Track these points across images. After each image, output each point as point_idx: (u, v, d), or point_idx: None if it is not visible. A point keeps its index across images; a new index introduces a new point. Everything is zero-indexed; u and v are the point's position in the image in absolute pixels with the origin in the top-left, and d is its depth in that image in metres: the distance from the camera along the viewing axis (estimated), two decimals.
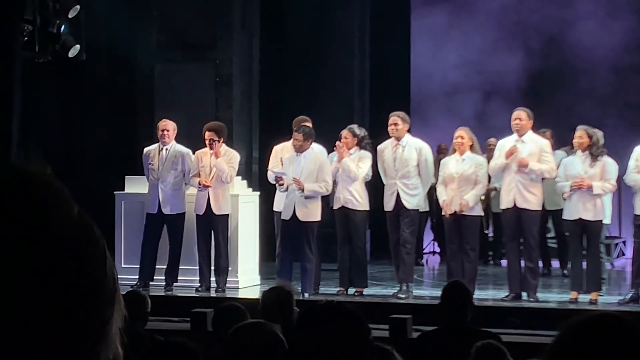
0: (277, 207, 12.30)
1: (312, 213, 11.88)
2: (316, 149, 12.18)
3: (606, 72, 18.01)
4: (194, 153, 12.45)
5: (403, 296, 11.81)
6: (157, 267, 12.43)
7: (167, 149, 12.50)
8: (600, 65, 17.99)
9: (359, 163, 12.10)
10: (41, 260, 1.06)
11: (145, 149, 12.66)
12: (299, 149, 11.92)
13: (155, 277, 12.40)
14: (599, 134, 11.74)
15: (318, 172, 11.87)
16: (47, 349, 1.05)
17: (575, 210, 11.48)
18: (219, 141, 12.25)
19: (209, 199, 12.23)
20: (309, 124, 12.46)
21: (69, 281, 1.08)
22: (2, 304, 1.03)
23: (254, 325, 4.77)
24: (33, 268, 1.06)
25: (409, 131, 12.18)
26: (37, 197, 1.09)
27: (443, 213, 12.03)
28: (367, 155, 12.19)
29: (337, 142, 12.11)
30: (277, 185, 12.08)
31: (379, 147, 12.23)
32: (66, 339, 1.07)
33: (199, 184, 12.21)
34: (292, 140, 12.11)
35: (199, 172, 12.34)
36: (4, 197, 1.08)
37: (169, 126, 12.54)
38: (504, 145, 11.84)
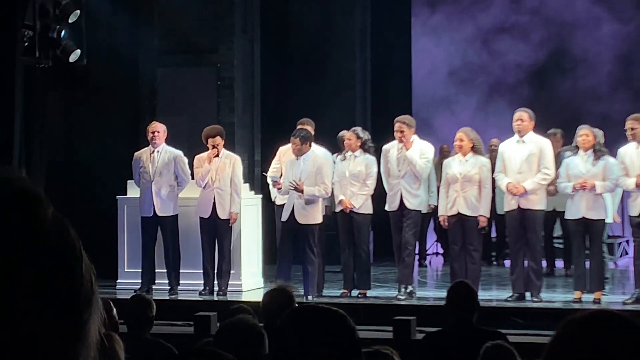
0: (278, 201, 12.41)
1: (313, 216, 11.88)
2: (318, 151, 12.19)
3: (610, 66, 17.99)
4: (193, 158, 12.44)
5: (403, 297, 11.81)
6: (159, 271, 12.45)
7: (158, 152, 12.49)
8: (604, 60, 17.97)
9: (367, 170, 12.09)
10: (15, 263, 1.05)
11: (136, 153, 12.63)
12: (298, 153, 11.94)
13: (158, 281, 12.41)
14: (599, 133, 11.75)
15: (317, 174, 11.88)
16: (24, 351, 1.04)
17: (578, 209, 11.48)
18: (222, 144, 12.29)
19: (214, 203, 12.23)
20: (311, 127, 12.48)
21: (44, 283, 1.06)
22: None
23: (236, 321, 4.79)
24: (7, 271, 1.04)
25: (415, 133, 12.15)
26: (11, 201, 1.08)
27: (441, 221, 12.04)
28: (374, 161, 12.19)
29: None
30: (275, 189, 12.18)
31: (384, 147, 12.22)
32: (43, 342, 1.06)
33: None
34: (291, 145, 12.11)
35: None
36: None
37: (159, 128, 12.53)
38: (504, 149, 11.83)
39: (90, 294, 1.12)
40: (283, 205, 12.13)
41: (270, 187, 12.51)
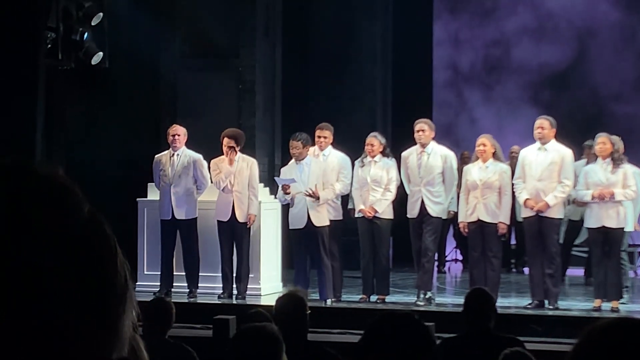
0: (292, 224, 12.10)
1: (324, 218, 11.91)
2: (336, 154, 12.25)
3: (634, 69, 17.90)
4: (210, 161, 12.44)
5: (422, 303, 11.79)
6: (177, 274, 12.46)
7: (178, 155, 12.50)
8: (628, 63, 17.88)
9: (389, 175, 12.08)
10: (52, 258, 1.07)
11: (157, 156, 12.65)
12: (299, 157, 11.93)
13: (177, 284, 12.42)
14: (618, 140, 11.70)
15: (323, 177, 11.90)
16: (58, 347, 1.06)
17: (598, 218, 11.43)
18: (236, 148, 12.24)
19: (233, 206, 12.23)
20: (330, 132, 12.48)
21: (79, 279, 1.08)
22: (14, 302, 1.04)
23: (254, 328, 4.78)
24: (44, 266, 1.06)
25: (433, 139, 12.15)
26: (48, 196, 1.10)
27: (461, 227, 11.99)
28: (394, 165, 12.19)
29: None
30: (282, 193, 11.97)
31: (403, 153, 12.21)
32: (77, 337, 1.07)
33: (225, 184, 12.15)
34: (291, 149, 12.08)
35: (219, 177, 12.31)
36: (15, 196, 1.09)
37: (179, 131, 12.55)
38: (525, 155, 11.79)
39: (125, 289, 1.14)
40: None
41: (279, 190, 12.26)
